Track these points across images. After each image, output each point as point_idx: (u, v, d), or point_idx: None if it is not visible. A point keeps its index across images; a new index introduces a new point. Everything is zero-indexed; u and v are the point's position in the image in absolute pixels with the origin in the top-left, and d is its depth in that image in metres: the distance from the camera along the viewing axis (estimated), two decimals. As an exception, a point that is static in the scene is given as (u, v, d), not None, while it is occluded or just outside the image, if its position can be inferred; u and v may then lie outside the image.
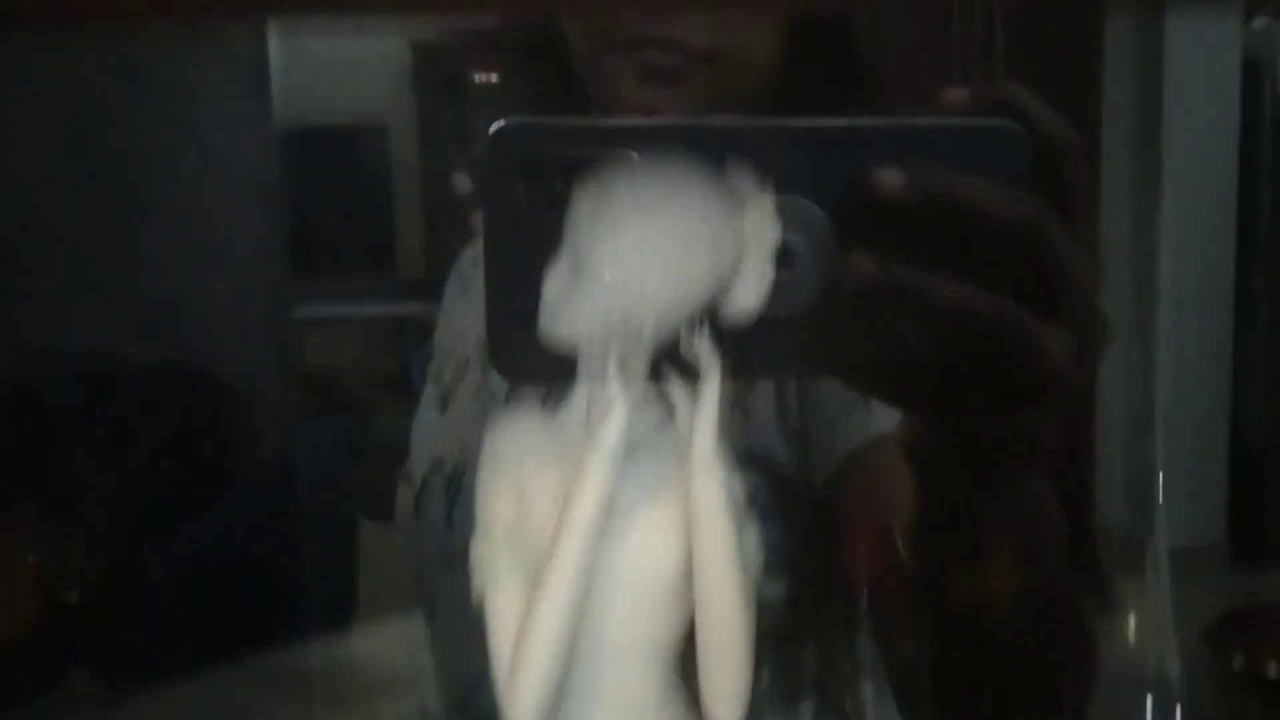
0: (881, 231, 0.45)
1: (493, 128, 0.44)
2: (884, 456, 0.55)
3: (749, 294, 0.42)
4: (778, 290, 0.43)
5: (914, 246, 0.46)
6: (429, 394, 0.83)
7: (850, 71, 0.75)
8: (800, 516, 0.68)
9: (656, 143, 0.44)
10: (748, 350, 0.44)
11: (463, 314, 0.84)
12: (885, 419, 0.57)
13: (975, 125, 0.47)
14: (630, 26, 0.67)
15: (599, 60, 0.71)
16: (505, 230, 0.45)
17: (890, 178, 0.45)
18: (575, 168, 0.43)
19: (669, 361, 0.41)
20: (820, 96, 0.73)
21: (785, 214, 0.44)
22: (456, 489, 0.78)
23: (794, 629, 0.69)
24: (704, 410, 0.41)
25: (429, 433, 0.82)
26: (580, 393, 0.42)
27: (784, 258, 0.44)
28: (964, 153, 0.47)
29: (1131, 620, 2.18)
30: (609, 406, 0.40)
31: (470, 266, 0.85)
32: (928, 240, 0.46)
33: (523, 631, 0.39)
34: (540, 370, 0.44)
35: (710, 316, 0.42)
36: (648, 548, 0.40)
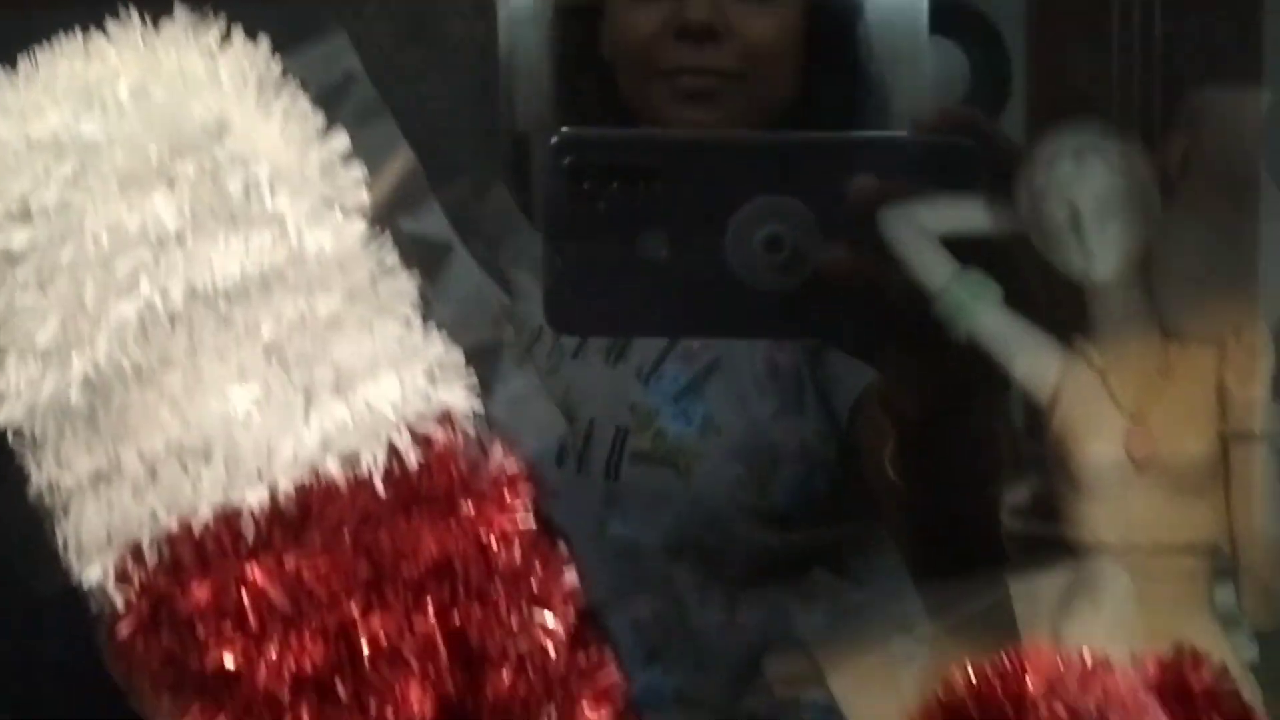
0: (855, 226, 0.56)
1: (553, 138, 0.57)
2: None
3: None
4: (774, 271, 0.56)
5: (871, 236, 0.56)
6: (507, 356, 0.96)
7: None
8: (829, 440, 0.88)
9: (688, 151, 0.59)
10: (763, 317, 0.58)
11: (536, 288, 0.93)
12: None
13: (937, 142, 0.59)
14: (669, 56, 0.82)
15: (644, 88, 0.86)
16: (560, 219, 0.57)
17: (861, 184, 0.57)
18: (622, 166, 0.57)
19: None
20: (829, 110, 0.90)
21: (778, 210, 0.57)
22: None
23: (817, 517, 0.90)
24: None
25: None
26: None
27: (775, 245, 0.56)
28: (926, 164, 0.58)
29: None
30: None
31: None
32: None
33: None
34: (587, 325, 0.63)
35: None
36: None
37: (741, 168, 0.58)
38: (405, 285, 0.39)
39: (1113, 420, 0.52)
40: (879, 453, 0.67)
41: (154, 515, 0.36)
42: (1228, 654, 0.49)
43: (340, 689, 0.36)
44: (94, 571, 0.37)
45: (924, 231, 0.55)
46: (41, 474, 0.37)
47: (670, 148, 0.60)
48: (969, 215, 0.56)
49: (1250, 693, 0.48)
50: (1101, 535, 0.51)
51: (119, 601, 0.37)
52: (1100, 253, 0.53)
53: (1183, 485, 0.52)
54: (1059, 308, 0.56)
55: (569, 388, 0.93)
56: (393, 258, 0.38)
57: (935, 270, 0.55)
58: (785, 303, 0.57)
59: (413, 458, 0.37)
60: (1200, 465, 0.52)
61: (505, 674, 0.38)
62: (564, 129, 0.57)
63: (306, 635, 0.36)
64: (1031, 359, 0.55)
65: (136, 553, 0.37)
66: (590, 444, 0.92)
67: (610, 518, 0.92)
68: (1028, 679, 0.40)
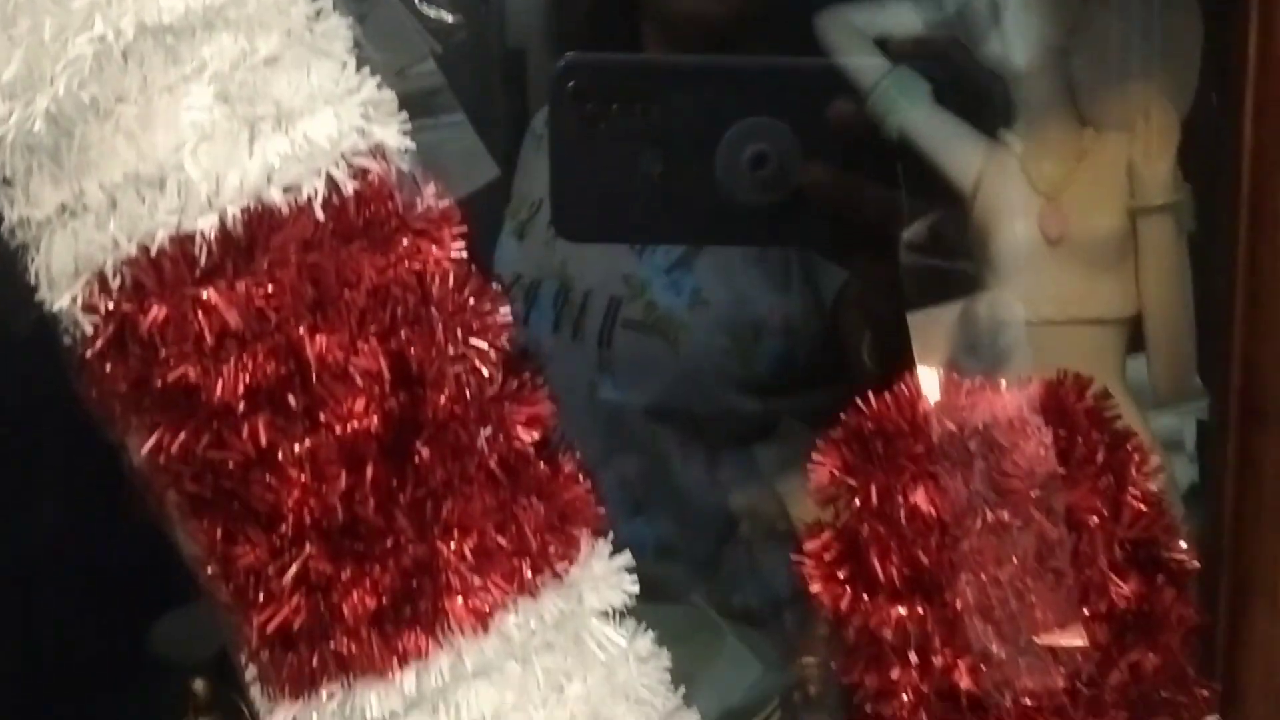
0: (834, 146, 0.61)
1: (560, 62, 0.62)
2: None
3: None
4: (759, 186, 0.62)
5: (848, 154, 0.61)
6: (507, 227, 1.03)
7: None
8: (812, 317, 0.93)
9: (682, 76, 0.63)
10: (748, 227, 0.64)
11: (536, 166, 0.95)
12: None
13: (915, 69, 0.61)
14: None
15: None
16: (565, 138, 0.62)
17: (840, 107, 0.61)
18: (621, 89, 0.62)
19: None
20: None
21: (764, 131, 0.62)
22: (534, 298, 0.97)
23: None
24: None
25: (509, 256, 1.01)
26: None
27: (760, 162, 0.62)
28: None
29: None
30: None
31: (541, 128, 0.98)
32: (859, 151, 0.61)
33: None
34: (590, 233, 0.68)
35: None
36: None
37: (730, 91, 0.62)
38: (339, 28, 0.42)
39: (1029, 201, 0.55)
40: (857, 341, 0.71)
41: (116, 243, 0.40)
42: (1135, 421, 0.53)
43: (291, 401, 0.40)
44: (64, 300, 0.41)
45: (857, 33, 0.59)
46: (14, 212, 0.41)
47: (665, 73, 0.65)
48: (900, 16, 0.59)
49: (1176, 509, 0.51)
50: (1017, 310, 0.54)
51: (87, 327, 0.41)
52: (1020, 43, 0.56)
53: (1094, 261, 0.55)
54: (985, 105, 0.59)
55: (566, 259, 0.97)
56: (327, 2, 0.42)
57: (868, 69, 0.58)
58: (769, 215, 0.63)
59: (349, 188, 0.40)
60: (1110, 240, 0.55)
61: (443, 395, 0.41)
62: (568, 54, 0.63)
63: (259, 353, 0.40)
64: (957, 150, 0.58)
65: (102, 281, 0.40)
66: (585, 312, 0.96)
67: (601, 382, 0.96)
68: (921, 402, 0.43)
